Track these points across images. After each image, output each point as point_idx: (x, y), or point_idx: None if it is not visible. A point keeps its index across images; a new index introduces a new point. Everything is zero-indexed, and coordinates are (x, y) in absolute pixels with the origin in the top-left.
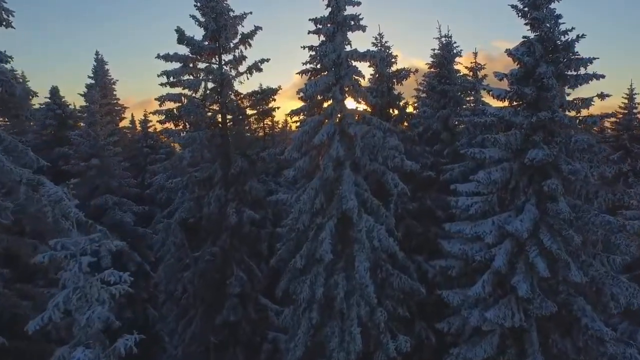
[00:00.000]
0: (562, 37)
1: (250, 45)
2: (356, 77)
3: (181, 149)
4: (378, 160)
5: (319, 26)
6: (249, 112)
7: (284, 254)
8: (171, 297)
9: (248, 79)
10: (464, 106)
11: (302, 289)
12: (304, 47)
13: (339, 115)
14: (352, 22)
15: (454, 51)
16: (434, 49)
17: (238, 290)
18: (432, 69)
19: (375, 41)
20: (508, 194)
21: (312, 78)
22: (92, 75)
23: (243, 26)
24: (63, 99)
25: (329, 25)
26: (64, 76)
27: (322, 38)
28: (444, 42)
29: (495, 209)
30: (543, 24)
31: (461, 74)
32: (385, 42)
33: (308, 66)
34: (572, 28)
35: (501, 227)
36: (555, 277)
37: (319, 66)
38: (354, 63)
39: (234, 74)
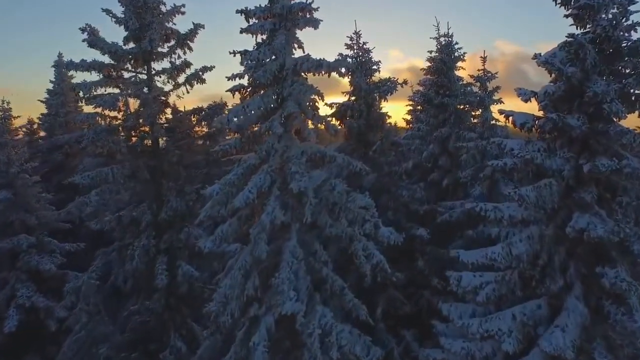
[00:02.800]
0: (627, 34)
1: (190, 48)
2: (313, 97)
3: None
4: (341, 222)
5: (253, 21)
6: (194, 133)
7: (206, 355)
8: None
9: (188, 92)
10: (468, 123)
11: None
12: (233, 53)
13: (279, 159)
14: (301, 15)
15: (456, 54)
16: (430, 51)
17: None
18: (428, 76)
19: (350, 42)
20: (536, 272)
21: (246, 99)
22: (53, 79)
23: (174, 24)
24: None
25: (267, 19)
26: None
27: (258, 39)
28: (443, 42)
29: (516, 293)
30: (598, 16)
31: (464, 81)
32: (364, 43)
33: (239, 81)
34: None
35: (526, 326)
36: None
37: (253, 81)
38: (309, 75)
39: (171, 86)
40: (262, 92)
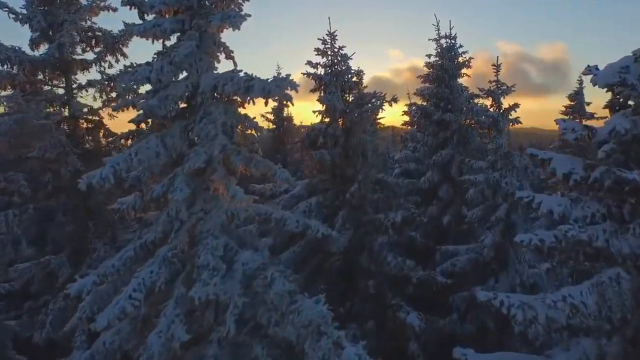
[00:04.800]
0: None
1: (124, 54)
2: (249, 131)
3: None
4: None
5: (150, 18)
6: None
7: None
8: None
9: (123, 110)
10: (475, 145)
11: None
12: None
13: (185, 236)
14: (220, 7)
15: (459, 59)
16: (429, 55)
17: None
18: (427, 84)
19: (322, 47)
20: None
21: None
22: None
23: (95, 24)
24: None
25: (177, 14)
26: None
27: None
28: (445, 45)
29: None
30: None
31: (468, 90)
32: (340, 48)
33: (135, 112)
34: None
35: None
36: None
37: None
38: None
39: (101, 103)
40: (172, 125)
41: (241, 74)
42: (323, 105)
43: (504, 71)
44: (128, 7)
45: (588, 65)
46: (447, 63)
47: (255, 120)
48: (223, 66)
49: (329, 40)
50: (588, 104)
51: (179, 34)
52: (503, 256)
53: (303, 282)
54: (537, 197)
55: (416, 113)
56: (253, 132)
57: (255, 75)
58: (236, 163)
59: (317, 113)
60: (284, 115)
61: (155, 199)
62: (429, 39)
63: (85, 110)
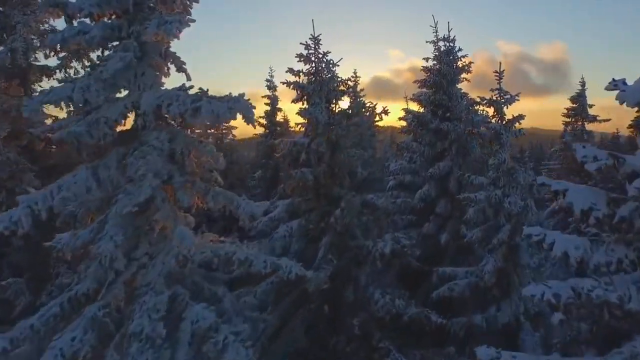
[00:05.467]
0: None
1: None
2: (207, 159)
3: None
4: None
5: (77, 23)
6: None
7: None
8: None
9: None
10: (475, 156)
11: None
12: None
13: (120, 290)
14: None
15: (458, 63)
16: (427, 59)
17: None
18: (424, 89)
19: (305, 52)
20: None
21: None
22: None
23: (48, 23)
24: None
25: (111, 18)
26: None
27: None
28: (443, 48)
29: None
30: None
31: (468, 96)
32: (325, 54)
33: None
34: None
35: None
36: None
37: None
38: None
39: (66, 114)
40: (108, 154)
41: (191, 92)
42: (306, 120)
43: (505, 71)
44: (51, 11)
45: (613, 79)
46: (445, 68)
47: (210, 145)
48: (174, 81)
49: (313, 45)
50: (590, 106)
51: (117, 42)
52: (505, 282)
53: (282, 316)
54: (549, 236)
55: (412, 121)
56: (210, 160)
57: (205, 94)
58: (184, 200)
59: (299, 125)
60: (277, 119)
61: (80, 248)
62: (427, 41)
63: (49, 121)
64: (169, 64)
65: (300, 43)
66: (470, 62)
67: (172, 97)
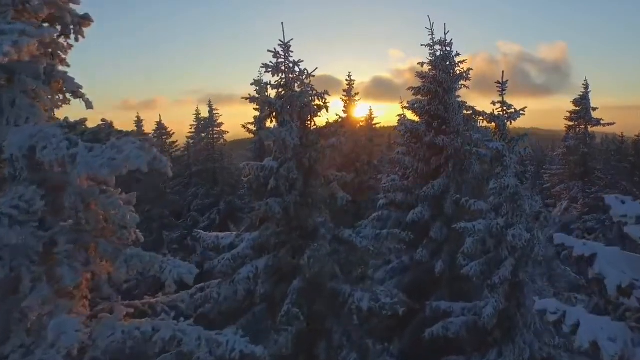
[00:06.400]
0: None
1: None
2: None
3: None
4: None
5: None
6: None
7: None
8: None
9: None
10: (474, 175)
11: None
12: None
13: None
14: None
15: (456, 70)
16: (421, 64)
17: None
18: (419, 97)
19: (274, 60)
20: None
21: None
22: None
23: None
24: None
25: None
26: None
27: None
28: (439, 53)
29: None
30: None
31: (467, 105)
32: (297, 62)
33: None
34: None
35: None
36: None
37: None
38: None
39: None
40: None
41: (90, 125)
42: (275, 144)
43: (505, 71)
44: None
45: None
46: (441, 75)
47: (120, 195)
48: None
49: (283, 53)
50: (594, 109)
51: None
52: (508, 324)
53: None
54: (570, 314)
55: (405, 133)
56: (119, 214)
57: (104, 130)
58: (66, 277)
59: (269, 145)
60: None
61: None
62: (422, 45)
63: None
64: (59, 89)
65: (268, 50)
66: (469, 69)
67: (47, 137)
